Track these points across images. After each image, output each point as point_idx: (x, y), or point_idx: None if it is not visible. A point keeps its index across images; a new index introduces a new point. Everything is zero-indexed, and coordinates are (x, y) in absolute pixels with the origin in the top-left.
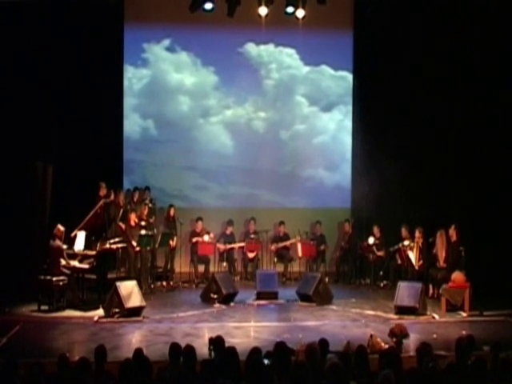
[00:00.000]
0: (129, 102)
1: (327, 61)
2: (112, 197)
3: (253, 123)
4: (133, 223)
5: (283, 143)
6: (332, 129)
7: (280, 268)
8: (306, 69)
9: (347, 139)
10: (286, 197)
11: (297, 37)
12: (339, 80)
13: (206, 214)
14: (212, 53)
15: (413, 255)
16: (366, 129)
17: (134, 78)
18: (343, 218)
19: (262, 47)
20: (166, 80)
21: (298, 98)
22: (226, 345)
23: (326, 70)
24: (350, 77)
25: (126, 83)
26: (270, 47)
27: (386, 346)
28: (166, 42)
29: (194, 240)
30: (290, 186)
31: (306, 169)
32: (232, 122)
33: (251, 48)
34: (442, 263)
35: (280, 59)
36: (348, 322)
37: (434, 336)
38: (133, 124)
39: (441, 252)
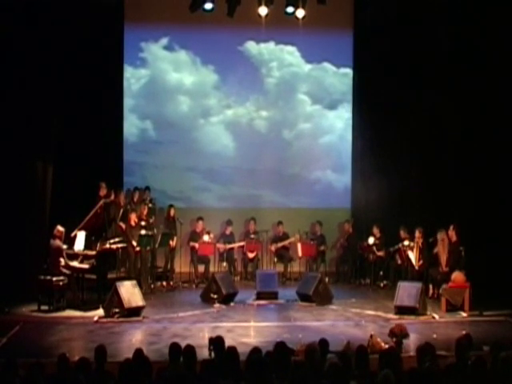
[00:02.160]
0: (128, 102)
1: (329, 58)
2: (112, 197)
3: (254, 123)
4: (133, 223)
5: (286, 143)
6: (338, 128)
7: (280, 268)
8: (308, 66)
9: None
10: (286, 197)
11: (297, 35)
12: (342, 77)
13: (207, 214)
14: (212, 51)
15: (413, 255)
16: (365, 128)
17: (132, 78)
18: (343, 218)
19: (263, 45)
20: (165, 80)
21: (300, 97)
22: (226, 345)
23: (329, 67)
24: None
25: (124, 83)
26: (271, 45)
27: (386, 346)
28: (164, 41)
29: (191, 245)
30: (291, 186)
31: (308, 169)
32: (233, 122)
33: (251, 46)
34: (444, 268)
35: (281, 57)
36: (348, 322)
37: (434, 336)
38: (132, 125)
39: (443, 256)
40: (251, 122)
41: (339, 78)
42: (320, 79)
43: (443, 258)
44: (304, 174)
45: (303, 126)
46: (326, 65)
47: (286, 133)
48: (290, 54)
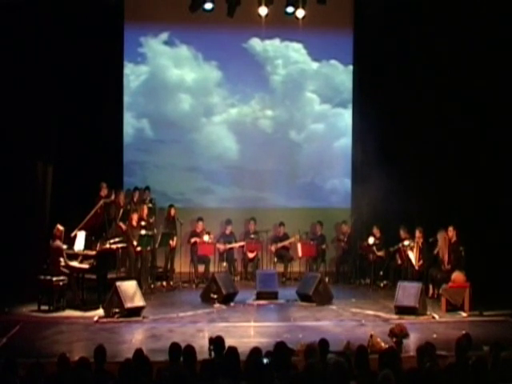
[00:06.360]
0: (126, 100)
1: (336, 56)
2: (112, 197)
3: (259, 122)
4: (134, 223)
5: (292, 143)
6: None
7: (280, 268)
8: (315, 64)
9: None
10: (287, 197)
11: (301, 33)
12: (351, 75)
13: (207, 214)
14: (214, 47)
15: (413, 255)
16: (365, 128)
17: (132, 74)
18: (343, 218)
19: (268, 42)
20: (166, 76)
21: (308, 95)
22: (226, 345)
23: (336, 65)
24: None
25: (124, 81)
26: (276, 42)
27: (386, 346)
28: (165, 36)
29: (193, 240)
30: (292, 186)
31: (312, 170)
32: (237, 122)
33: (256, 43)
34: (446, 266)
35: (287, 54)
36: (348, 322)
37: (434, 336)
38: (128, 124)
39: (444, 255)
40: (256, 122)
41: (348, 76)
42: (328, 77)
43: (445, 258)
44: (307, 175)
45: (311, 126)
46: (334, 62)
47: (293, 133)
48: (296, 52)
